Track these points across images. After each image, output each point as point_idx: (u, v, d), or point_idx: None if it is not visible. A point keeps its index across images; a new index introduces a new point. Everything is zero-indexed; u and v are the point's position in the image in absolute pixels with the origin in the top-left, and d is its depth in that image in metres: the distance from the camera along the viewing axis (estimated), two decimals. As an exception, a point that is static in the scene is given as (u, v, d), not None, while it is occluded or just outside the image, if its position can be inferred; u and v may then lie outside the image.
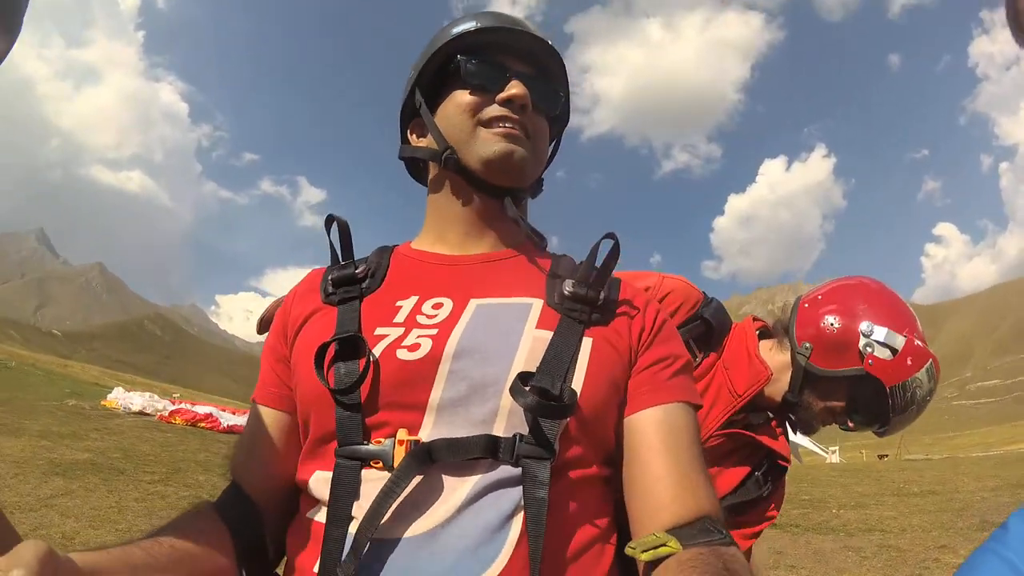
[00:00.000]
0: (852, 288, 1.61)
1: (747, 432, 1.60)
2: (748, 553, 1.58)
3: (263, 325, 1.29)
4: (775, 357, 1.64)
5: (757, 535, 1.60)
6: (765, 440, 1.60)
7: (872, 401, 1.50)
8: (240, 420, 13.55)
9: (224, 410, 14.69)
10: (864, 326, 1.49)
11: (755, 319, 1.77)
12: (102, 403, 13.55)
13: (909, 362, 1.44)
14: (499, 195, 0.91)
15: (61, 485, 6.30)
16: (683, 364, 0.86)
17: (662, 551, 0.68)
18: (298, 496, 0.85)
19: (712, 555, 0.66)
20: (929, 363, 1.46)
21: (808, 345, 1.56)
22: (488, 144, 0.88)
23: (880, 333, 1.47)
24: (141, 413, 12.95)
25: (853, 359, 1.49)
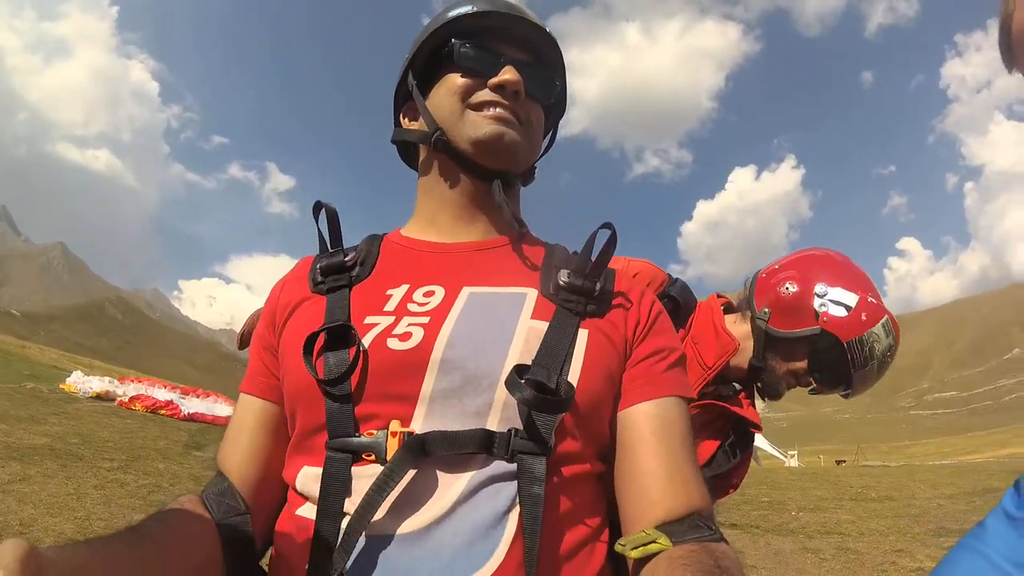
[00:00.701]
0: (807, 256, 1.69)
1: (719, 403, 1.65)
2: None
3: (244, 340, 1.28)
4: (739, 328, 1.71)
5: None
6: (736, 409, 1.65)
7: (832, 359, 1.56)
8: (200, 406, 13.32)
9: (185, 394, 14.41)
10: (818, 287, 1.55)
11: (719, 295, 1.83)
12: (61, 386, 13.20)
13: (863, 317, 1.50)
14: (489, 178, 0.89)
15: (18, 470, 6.12)
16: (677, 357, 0.86)
17: (652, 548, 0.67)
18: (285, 489, 0.83)
19: (703, 552, 0.66)
20: (885, 319, 1.52)
21: (767, 310, 1.63)
22: (478, 126, 0.86)
23: (834, 292, 1.54)
24: (99, 397, 12.64)
25: (809, 319, 1.56)
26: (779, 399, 1.70)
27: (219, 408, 13.96)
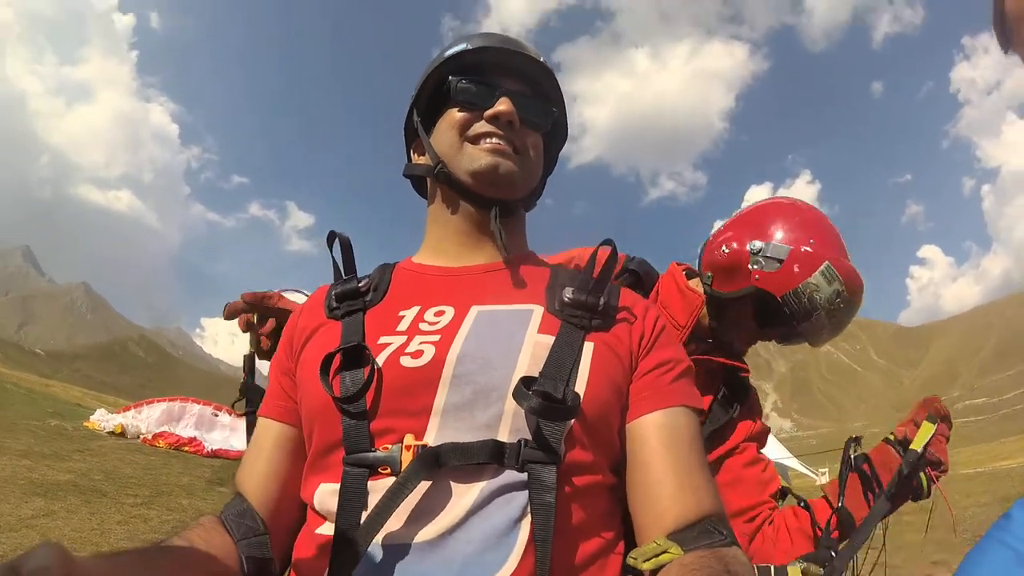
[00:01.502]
0: (750, 211, 1.66)
1: (703, 356, 1.61)
2: (759, 482, 1.59)
3: (230, 312, 1.32)
4: (699, 290, 1.69)
5: (755, 457, 1.61)
6: (721, 360, 1.62)
7: (774, 314, 1.52)
8: (222, 441, 13.37)
9: (208, 405, 14.46)
10: (751, 244, 1.52)
11: (678, 263, 1.82)
12: (84, 424, 13.34)
13: (796, 269, 1.46)
14: (489, 206, 0.94)
15: (42, 506, 6.18)
16: (684, 368, 0.88)
17: (663, 558, 0.69)
18: (303, 510, 0.85)
19: (713, 557, 0.67)
20: (825, 265, 1.45)
21: (709, 274, 1.62)
22: (474, 158, 0.91)
23: (767, 248, 1.50)
24: (120, 434, 12.75)
25: (744, 278, 1.53)
26: (742, 356, 1.68)
27: (241, 443, 14.00)
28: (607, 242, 0.93)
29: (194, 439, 13.10)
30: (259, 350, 1.30)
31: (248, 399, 1.21)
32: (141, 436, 12.80)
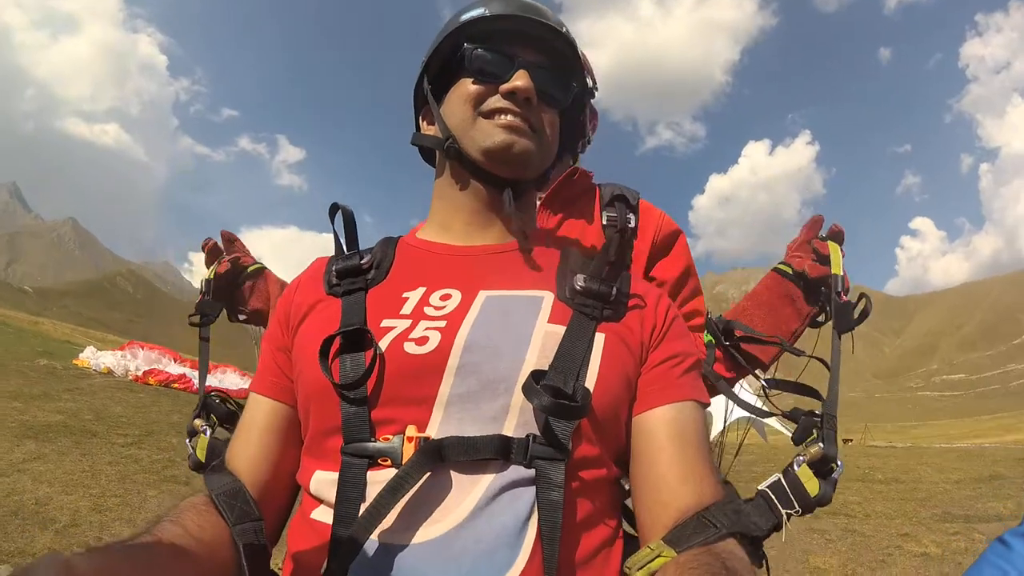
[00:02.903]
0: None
1: None
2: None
3: (210, 255, 1.43)
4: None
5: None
6: None
7: None
8: (211, 379, 13.41)
9: (196, 367, 14.51)
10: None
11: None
12: (74, 362, 13.34)
13: None
14: (501, 186, 0.90)
15: (33, 448, 6.22)
16: (693, 362, 0.86)
17: (656, 564, 0.68)
18: (295, 490, 0.84)
19: (708, 555, 0.66)
20: None
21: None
22: (488, 134, 0.86)
23: None
24: (110, 372, 12.76)
25: None
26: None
27: (229, 379, 14.07)
28: (621, 231, 0.91)
29: (183, 375, 13.09)
30: (212, 278, 1.42)
31: (203, 313, 1.42)
32: (131, 374, 12.82)
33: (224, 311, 1.46)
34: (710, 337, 1.32)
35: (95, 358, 13.39)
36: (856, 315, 1.15)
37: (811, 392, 1.11)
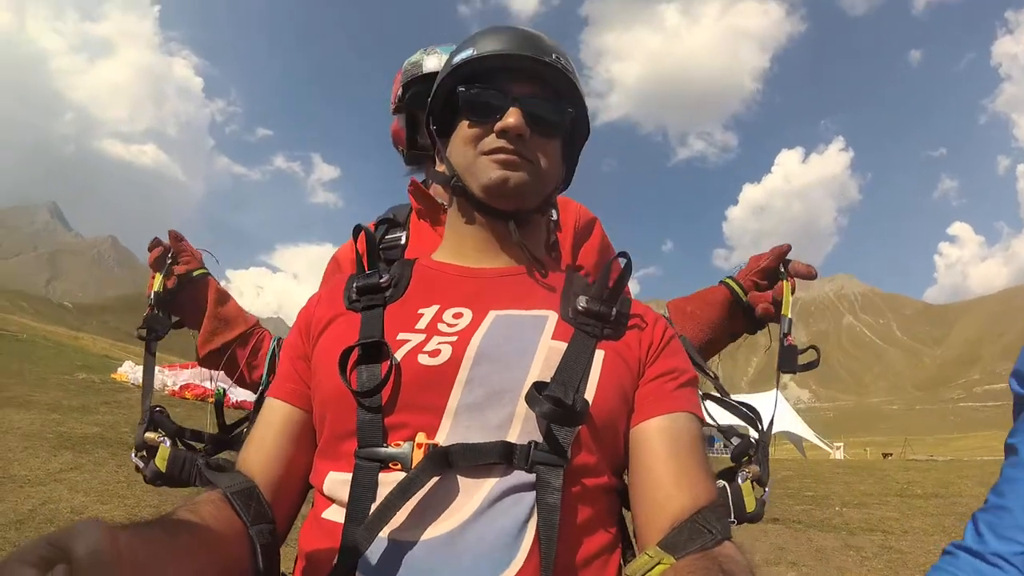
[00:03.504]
0: None
1: None
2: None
3: (157, 263, 1.41)
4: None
5: None
6: None
7: None
8: (248, 394, 13.61)
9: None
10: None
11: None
12: (112, 376, 13.69)
13: None
14: (503, 218, 0.96)
15: (70, 459, 6.39)
16: (689, 378, 0.90)
17: (657, 571, 0.69)
18: (304, 494, 0.88)
19: (705, 559, 0.68)
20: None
21: None
22: (485, 171, 0.91)
23: None
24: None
25: None
26: None
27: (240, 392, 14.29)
28: (622, 254, 0.97)
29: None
30: (160, 292, 1.39)
31: (149, 328, 1.39)
32: (168, 388, 13.12)
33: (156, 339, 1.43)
34: None
35: (133, 372, 13.75)
36: (802, 363, 1.18)
37: (751, 417, 1.14)
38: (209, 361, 1.51)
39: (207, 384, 13.79)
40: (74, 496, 5.28)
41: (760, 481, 1.04)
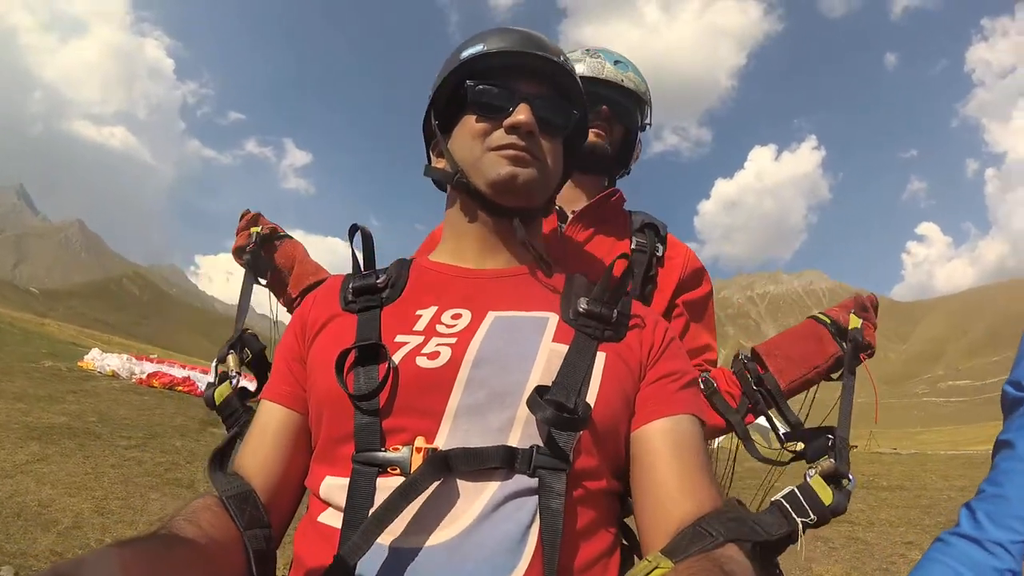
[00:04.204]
0: None
1: None
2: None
3: (250, 222, 1.62)
4: None
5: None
6: None
7: None
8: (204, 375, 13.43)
9: (205, 372, 14.55)
10: None
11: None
12: (79, 364, 13.41)
13: None
14: (508, 216, 0.94)
15: (37, 450, 6.25)
16: (690, 380, 0.89)
17: (656, 575, 0.68)
18: (300, 497, 0.87)
19: (706, 560, 0.67)
20: None
21: None
22: (494, 166, 0.90)
23: None
24: (115, 375, 12.83)
25: None
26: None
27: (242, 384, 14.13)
28: (623, 256, 0.96)
29: (187, 379, 13.17)
30: (261, 231, 1.59)
31: (253, 255, 1.57)
32: (135, 377, 12.88)
33: (254, 273, 1.58)
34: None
35: (100, 360, 13.46)
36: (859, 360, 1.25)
37: (825, 431, 1.13)
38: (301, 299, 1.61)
39: (174, 372, 13.58)
40: (41, 489, 5.16)
41: (838, 473, 1.03)
